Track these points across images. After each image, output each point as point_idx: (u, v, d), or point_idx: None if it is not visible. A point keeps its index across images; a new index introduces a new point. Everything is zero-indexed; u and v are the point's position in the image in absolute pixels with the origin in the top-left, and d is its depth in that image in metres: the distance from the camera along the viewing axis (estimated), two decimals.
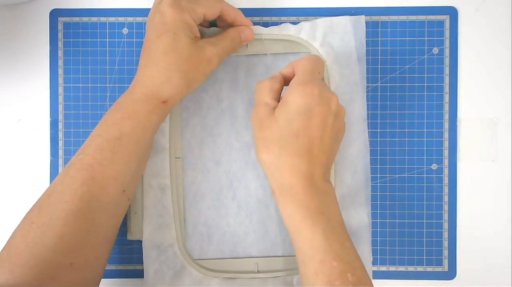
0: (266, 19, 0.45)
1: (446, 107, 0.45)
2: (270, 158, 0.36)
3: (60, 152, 0.44)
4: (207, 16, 0.39)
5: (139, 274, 0.44)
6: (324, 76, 0.42)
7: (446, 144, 0.45)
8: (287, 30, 0.43)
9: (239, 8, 0.42)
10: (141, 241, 0.43)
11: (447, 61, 0.45)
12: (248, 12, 0.44)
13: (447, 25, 0.45)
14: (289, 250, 0.44)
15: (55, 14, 0.45)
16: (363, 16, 0.43)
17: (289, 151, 0.35)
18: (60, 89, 0.45)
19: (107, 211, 0.36)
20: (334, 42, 0.43)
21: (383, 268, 0.45)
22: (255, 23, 0.44)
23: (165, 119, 0.39)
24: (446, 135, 0.45)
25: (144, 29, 0.44)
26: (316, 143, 0.36)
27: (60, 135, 0.44)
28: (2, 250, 0.34)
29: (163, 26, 0.36)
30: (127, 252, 0.44)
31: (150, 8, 0.44)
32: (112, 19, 0.45)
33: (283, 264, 0.43)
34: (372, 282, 0.36)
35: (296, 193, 0.35)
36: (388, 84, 0.45)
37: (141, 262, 0.44)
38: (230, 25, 0.42)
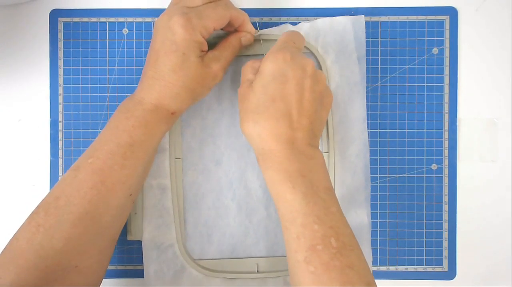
0: (266, 19, 0.45)
1: (446, 107, 0.45)
2: (249, 126, 0.36)
3: (60, 152, 0.44)
4: (217, 28, 0.39)
5: (139, 274, 0.44)
6: (325, 75, 0.43)
7: (446, 144, 0.45)
8: (286, 30, 0.43)
9: (239, 9, 0.42)
10: (141, 242, 0.43)
11: (447, 61, 0.45)
12: (248, 12, 0.44)
13: (447, 25, 0.45)
14: None
15: (55, 14, 0.45)
16: (363, 16, 0.43)
17: (266, 115, 0.36)
18: (60, 89, 0.45)
19: (113, 214, 0.36)
20: (334, 42, 0.43)
21: (383, 268, 0.45)
22: (255, 23, 0.44)
23: (170, 128, 0.40)
24: (446, 135, 0.45)
25: (144, 29, 0.44)
26: (294, 107, 0.36)
27: (60, 135, 0.44)
28: (4, 252, 0.34)
29: (173, 45, 0.36)
30: (127, 252, 0.44)
31: (150, 9, 0.44)
32: (112, 19, 0.45)
33: (284, 264, 0.43)
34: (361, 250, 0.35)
35: (275, 156, 0.35)
36: (388, 84, 0.45)
37: (141, 262, 0.44)
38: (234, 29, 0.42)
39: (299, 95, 0.36)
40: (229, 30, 0.42)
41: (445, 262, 0.45)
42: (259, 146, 0.36)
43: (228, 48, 0.40)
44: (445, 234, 0.45)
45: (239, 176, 0.44)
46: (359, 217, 0.43)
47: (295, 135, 0.36)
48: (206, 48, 0.38)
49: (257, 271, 0.43)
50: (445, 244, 0.45)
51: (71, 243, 0.34)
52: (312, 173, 0.35)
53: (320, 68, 0.43)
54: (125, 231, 0.44)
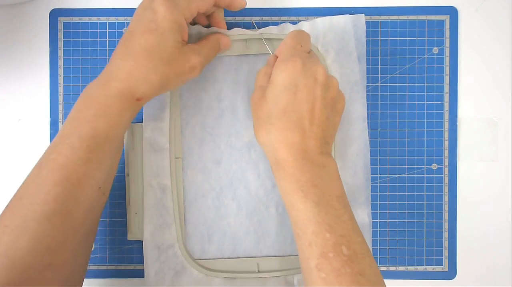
0: (266, 19, 0.45)
1: (446, 107, 0.45)
2: (263, 135, 0.37)
3: None
4: (201, 10, 0.38)
5: (140, 274, 0.44)
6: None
7: (446, 144, 0.45)
8: (286, 29, 0.43)
9: None
10: (142, 241, 0.43)
11: (447, 61, 0.45)
12: (248, 12, 0.44)
13: (447, 25, 0.45)
14: (289, 249, 0.44)
15: (55, 14, 0.45)
16: (363, 15, 0.43)
17: (278, 126, 0.36)
18: (60, 89, 0.45)
19: (83, 209, 0.34)
20: (334, 41, 0.43)
21: (383, 268, 0.45)
22: (255, 23, 0.44)
23: (135, 116, 0.37)
24: (446, 135, 0.45)
25: None
26: (306, 117, 0.36)
27: None
28: None
29: (151, 23, 0.35)
30: (127, 252, 0.44)
31: None
32: (112, 19, 0.45)
33: (284, 263, 0.43)
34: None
35: (288, 166, 0.35)
36: (388, 84, 0.45)
37: (142, 262, 0.44)
38: (215, 20, 0.41)
39: (311, 104, 0.36)
40: (215, 20, 0.41)
41: (445, 262, 0.45)
42: (272, 155, 0.37)
43: (208, 46, 0.40)
44: (445, 234, 0.45)
45: (240, 176, 0.44)
46: (360, 217, 0.43)
47: (307, 145, 0.36)
48: (186, 36, 0.37)
49: (258, 271, 0.43)
50: (445, 244, 0.45)
51: (41, 242, 0.32)
52: (324, 182, 0.35)
53: None
54: (125, 230, 0.44)
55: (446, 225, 0.45)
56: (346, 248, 0.33)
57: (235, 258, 0.44)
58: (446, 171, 0.45)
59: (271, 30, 0.43)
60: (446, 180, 0.45)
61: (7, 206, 0.34)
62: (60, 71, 0.45)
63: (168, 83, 0.37)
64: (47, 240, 0.32)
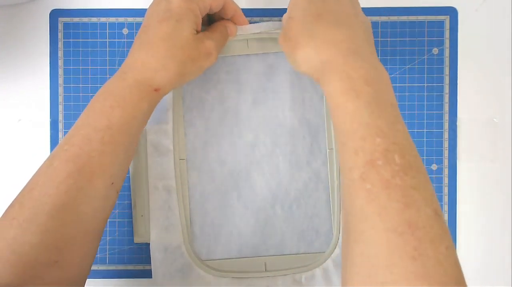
0: (266, 19, 0.45)
1: (446, 107, 0.45)
2: (303, 48, 0.33)
3: None
4: (213, 7, 0.38)
5: (148, 274, 0.44)
6: None
7: (446, 144, 0.45)
8: (274, 25, 0.43)
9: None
10: (149, 243, 0.43)
11: (447, 61, 0.45)
12: (248, 12, 0.44)
13: (447, 25, 0.45)
14: (296, 248, 0.44)
15: (55, 14, 0.45)
16: None
17: (319, 30, 0.33)
18: (60, 89, 0.45)
19: (94, 205, 0.33)
20: None
21: None
22: (255, 23, 0.44)
23: (155, 107, 0.37)
24: (446, 135, 0.45)
25: None
26: (342, 17, 0.33)
27: (60, 135, 0.44)
28: None
29: (166, 12, 0.35)
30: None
31: None
32: (112, 19, 0.45)
33: (291, 262, 0.43)
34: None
35: (336, 63, 0.31)
36: None
37: (150, 262, 0.43)
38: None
39: (342, 9, 0.34)
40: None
41: None
42: (318, 62, 0.32)
43: (218, 32, 0.40)
44: None
45: (244, 176, 0.44)
46: None
47: (356, 41, 0.32)
48: (200, 27, 0.37)
49: (265, 270, 0.43)
50: None
51: (48, 237, 0.31)
52: (378, 84, 0.31)
53: None
54: (132, 233, 0.44)
55: None
56: (399, 157, 0.28)
57: (242, 258, 0.44)
58: (446, 171, 0.45)
59: (271, 25, 0.43)
60: (446, 180, 0.45)
61: (16, 197, 0.32)
62: (60, 71, 0.45)
63: (185, 70, 0.36)
64: (55, 236, 0.31)
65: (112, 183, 0.34)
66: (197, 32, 0.37)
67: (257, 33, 0.43)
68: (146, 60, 0.35)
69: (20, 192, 0.33)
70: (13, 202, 0.32)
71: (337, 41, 0.32)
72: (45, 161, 0.33)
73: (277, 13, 0.45)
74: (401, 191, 0.27)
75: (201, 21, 0.37)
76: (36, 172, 0.33)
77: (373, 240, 0.27)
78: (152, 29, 0.35)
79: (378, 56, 0.44)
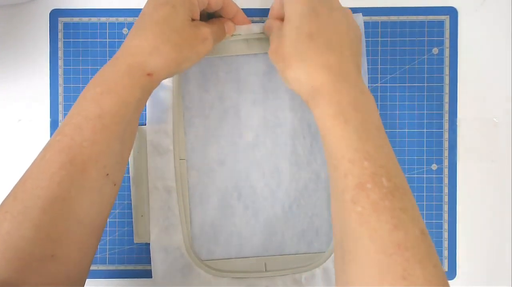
0: (266, 19, 0.45)
1: (446, 107, 0.45)
2: (294, 69, 0.34)
3: None
4: (211, 4, 0.38)
5: (148, 274, 0.44)
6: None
7: (446, 144, 0.45)
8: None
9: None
10: (149, 244, 0.43)
11: (447, 61, 0.45)
12: (248, 12, 0.44)
13: (447, 25, 0.45)
14: (296, 248, 0.44)
15: (55, 14, 0.45)
16: (360, 14, 0.43)
17: (310, 53, 0.34)
18: (60, 89, 0.45)
19: (89, 197, 0.32)
20: None
21: None
22: (256, 23, 0.43)
23: (149, 95, 0.36)
24: (446, 135, 0.45)
25: None
26: (335, 39, 0.34)
27: None
28: None
29: None
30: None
31: None
32: (112, 19, 0.45)
33: (291, 262, 0.43)
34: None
35: (327, 89, 0.33)
36: (388, 84, 0.45)
37: (150, 262, 0.43)
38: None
39: (335, 27, 0.34)
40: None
41: (445, 262, 0.45)
42: (308, 86, 0.34)
43: (216, 24, 0.40)
44: (445, 234, 0.45)
45: (244, 176, 0.44)
46: None
47: (345, 66, 0.33)
48: (197, 16, 0.37)
49: (265, 270, 0.43)
50: (445, 244, 0.45)
51: (43, 230, 0.30)
52: (365, 109, 0.32)
53: None
54: (132, 233, 0.44)
55: (446, 225, 0.45)
56: (386, 180, 0.29)
57: (242, 258, 0.44)
58: (446, 171, 0.45)
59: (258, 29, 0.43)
60: (446, 180, 0.45)
61: (11, 191, 0.32)
62: (60, 71, 0.45)
63: (181, 55, 0.35)
64: (50, 229, 0.30)
65: (107, 174, 0.33)
66: (194, 20, 0.37)
67: (258, 33, 0.43)
68: (138, 44, 0.34)
69: (15, 185, 0.32)
70: (8, 195, 0.32)
71: (327, 67, 0.33)
72: (39, 153, 0.32)
73: None
74: (390, 213, 0.29)
75: (198, 12, 0.37)
76: (31, 164, 0.32)
77: (366, 261, 0.28)
78: (147, 16, 0.35)
79: (378, 56, 0.44)
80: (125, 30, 0.45)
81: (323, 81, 0.33)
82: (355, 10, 0.44)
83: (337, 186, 0.31)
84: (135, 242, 0.43)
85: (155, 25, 0.34)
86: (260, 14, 0.45)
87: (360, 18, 0.43)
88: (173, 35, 0.34)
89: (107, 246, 0.44)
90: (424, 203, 0.45)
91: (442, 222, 0.45)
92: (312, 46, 0.34)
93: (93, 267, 0.44)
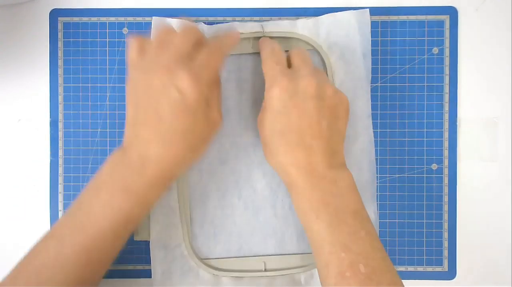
0: (266, 19, 0.45)
1: (446, 107, 0.45)
2: (271, 158, 0.38)
3: (60, 152, 0.44)
4: (219, 63, 0.37)
5: (148, 274, 0.44)
6: (328, 73, 0.42)
7: (446, 144, 0.45)
8: (291, 27, 0.43)
9: (239, 8, 0.42)
10: (149, 242, 0.43)
11: (447, 61, 0.45)
12: (248, 12, 0.44)
13: (447, 25, 0.45)
14: (296, 247, 0.44)
15: (55, 14, 0.45)
16: (367, 10, 0.43)
17: (281, 150, 0.36)
18: (60, 89, 0.45)
19: (104, 272, 0.36)
20: (339, 38, 0.43)
21: None
22: (258, 22, 0.44)
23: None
24: (446, 135, 0.45)
25: (144, 29, 0.44)
26: (305, 134, 0.36)
27: (60, 135, 0.44)
28: None
29: (182, 105, 0.34)
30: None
31: (150, 8, 0.44)
32: (112, 19, 0.45)
33: (291, 262, 0.43)
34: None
35: (299, 187, 0.36)
36: (388, 84, 0.45)
37: (150, 262, 0.44)
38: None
39: (307, 120, 0.36)
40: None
41: (445, 262, 0.45)
42: (285, 178, 0.37)
43: (219, 39, 0.38)
44: (445, 234, 0.45)
45: (245, 175, 0.44)
46: None
47: (314, 162, 0.36)
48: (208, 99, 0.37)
49: (265, 270, 0.43)
50: (445, 244, 0.45)
51: None
52: (337, 199, 0.35)
53: (323, 65, 0.43)
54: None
55: (446, 225, 0.45)
56: (363, 266, 0.33)
57: (241, 257, 0.44)
58: (446, 171, 0.45)
59: (278, 27, 0.43)
60: (446, 180, 0.45)
61: (19, 276, 0.34)
62: (60, 71, 0.45)
63: (199, 157, 0.38)
64: None
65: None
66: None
67: (260, 32, 0.42)
68: (167, 156, 0.35)
69: (24, 269, 0.34)
70: (17, 278, 0.34)
71: (295, 164, 0.36)
72: (52, 242, 0.34)
73: (278, 13, 0.45)
74: None
75: (210, 92, 0.36)
76: (43, 250, 0.34)
77: None
78: (168, 123, 0.34)
79: (378, 56, 0.44)
80: (125, 30, 0.45)
81: (293, 178, 0.36)
82: (355, 9, 0.44)
83: (321, 272, 0.35)
84: (135, 240, 0.43)
85: (183, 137, 0.34)
86: (261, 14, 0.45)
87: (367, 15, 0.43)
88: (197, 144, 0.36)
89: None
90: (424, 203, 0.45)
91: (442, 222, 0.45)
92: (283, 143, 0.36)
93: None
